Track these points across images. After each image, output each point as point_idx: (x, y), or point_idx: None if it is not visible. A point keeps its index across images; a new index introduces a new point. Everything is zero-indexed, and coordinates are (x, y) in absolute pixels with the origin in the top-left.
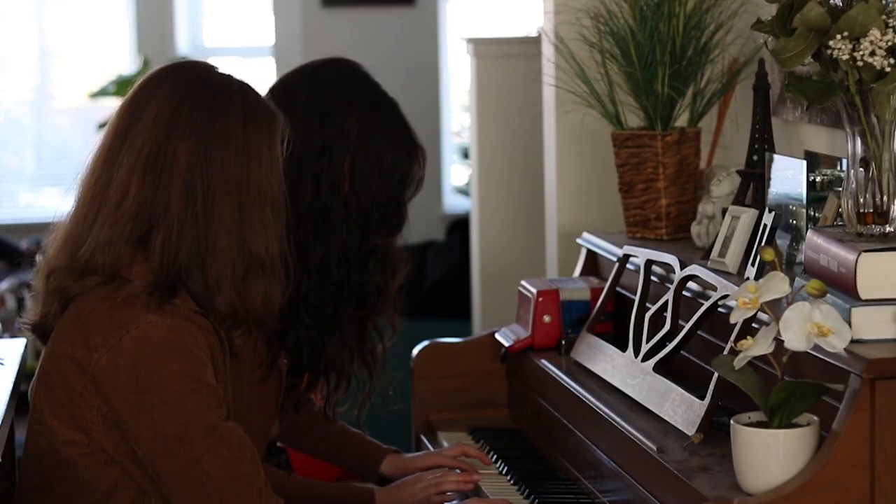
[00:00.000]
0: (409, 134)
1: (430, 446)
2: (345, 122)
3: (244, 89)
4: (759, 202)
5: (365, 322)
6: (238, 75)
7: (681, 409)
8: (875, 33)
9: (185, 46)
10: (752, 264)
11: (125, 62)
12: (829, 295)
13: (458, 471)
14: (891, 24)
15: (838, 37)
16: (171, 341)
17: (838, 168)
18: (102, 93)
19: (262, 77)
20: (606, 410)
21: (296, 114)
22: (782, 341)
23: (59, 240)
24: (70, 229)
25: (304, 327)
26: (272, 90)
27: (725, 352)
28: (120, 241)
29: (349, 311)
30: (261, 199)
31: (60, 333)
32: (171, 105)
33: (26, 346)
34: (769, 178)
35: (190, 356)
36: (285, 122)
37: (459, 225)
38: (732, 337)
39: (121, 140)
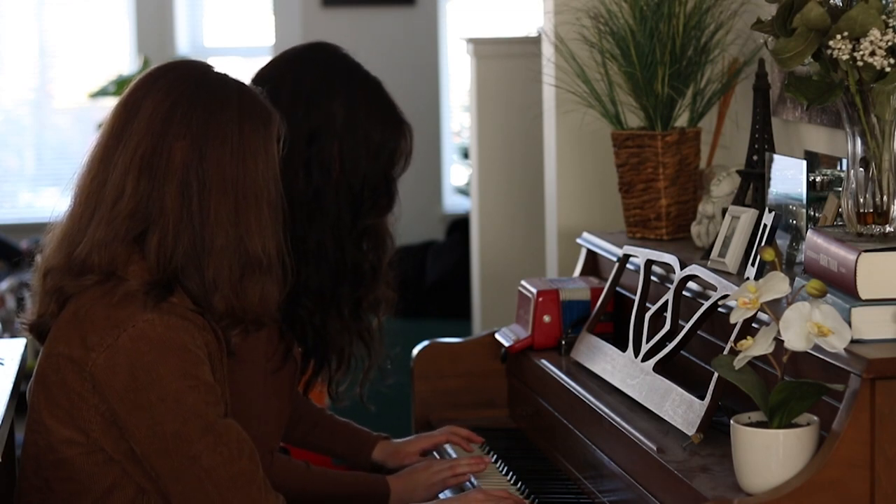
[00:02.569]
0: (394, 111)
1: None
2: (330, 107)
3: (240, 88)
4: (759, 202)
5: (360, 301)
6: (235, 75)
7: (681, 409)
8: (875, 33)
9: (185, 46)
10: (752, 264)
11: (125, 62)
12: (829, 295)
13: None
14: (891, 24)
15: (838, 37)
16: (169, 339)
17: (838, 168)
18: (102, 93)
19: None
20: (606, 410)
21: (280, 103)
22: (782, 341)
23: (55, 239)
24: (66, 229)
25: (307, 312)
26: (254, 81)
27: (725, 352)
28: (116, 240)
29: (346, 292)
30: (257, 199)
31: (57, 333)
32: (167, 104)
33: (26, 346)
34: (769, 178)
35: (187, 354)
36: (281, 120)
37: (459, 225)
38: (732, 337)
39: (116, 139)
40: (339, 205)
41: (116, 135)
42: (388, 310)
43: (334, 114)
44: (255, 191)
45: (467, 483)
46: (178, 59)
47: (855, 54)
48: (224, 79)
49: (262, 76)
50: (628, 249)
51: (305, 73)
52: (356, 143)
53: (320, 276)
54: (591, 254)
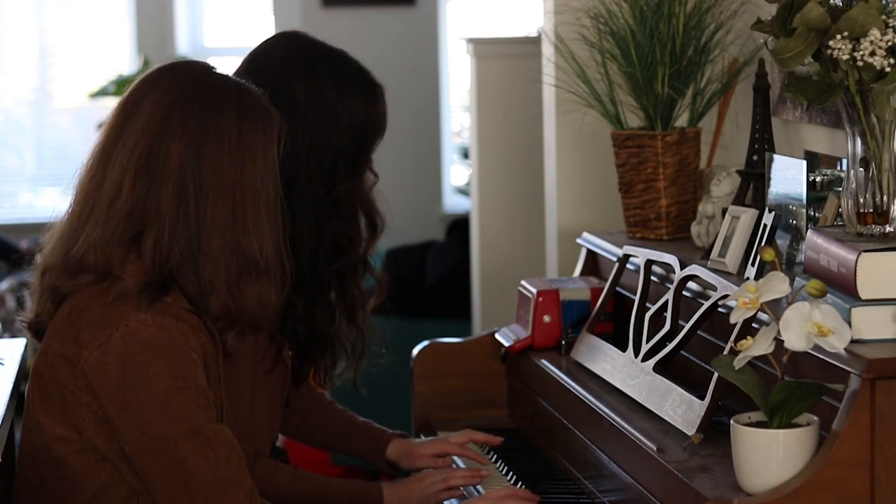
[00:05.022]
0: (360, 78)
1: None
2: (292, 92)
3: (240, 89)
4: (759, 202)
5: (343, 277)
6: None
7: (681, 409)
8: (875, 33)
9: (185, 46)
10: (752, 264)
11: (125, 62)
12: (829, 295)
13: (463, 465)
14: (891, 24)
15: (838, 37)
16: (161, 339)
17: (838, 168)
18: (102, 93)
19: None
20: (606, 410)
21: None
22: (782, 341)
23: (54, 238)
24: (65, 227)
25: (291, 304)
26: None
27: (725, 352)
28: (112, 240)
29: (326, 270)
30: (255, 200)
31: (53, 331)
32: (165, 105)
33: (26, 346)
34: (769, 178)
35: (179, 355)
36: (282, 122)
37: (459, 225)
38: (732, 337)
39: (115, 139)
40: (313, 186)
41: (115, 135)
42: (382, 291)
43: (297, 98)
44: (252, 193)
45: (472, 489)
46: (179, 60)
47: (855, 54)
48: (224, 80)
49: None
50: (628, 249)
51: (265, 65)
52: (322, 120)
53: (299, 264)
54: (591, 254)
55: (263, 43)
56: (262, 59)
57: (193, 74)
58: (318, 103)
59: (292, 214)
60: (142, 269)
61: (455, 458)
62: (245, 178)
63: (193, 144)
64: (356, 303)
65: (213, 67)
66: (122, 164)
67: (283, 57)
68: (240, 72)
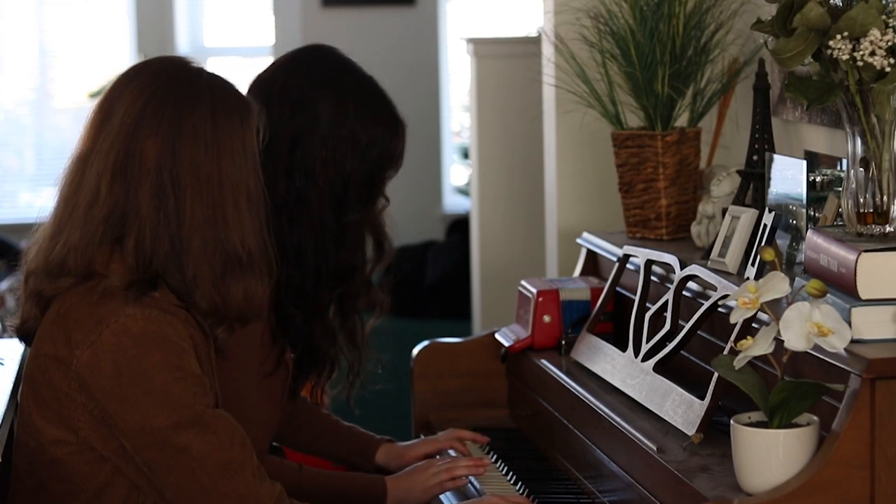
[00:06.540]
0: (385, 110)
1: None
2: (317, 108)
3: (213, 82)
4: (759, 202)
5: (344, 301)
6: (211, 69)
7: (681, 409)
8: (875, 33)
9: (185, 46)
10: (752, 264)
11: (125, 62)
12: (829, 295)
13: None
14: (891, 24)
15: (838, 37)
16: (152, 332)
17: (838, 168)
18: (102, 93)
19: None
20: (606, 410)
21: (271, 107)
22: (782, 341)
23: (38, 242)
24: (46, 232)
25: (290, 315)
26: (252, 84)
27: (725, 352)
28: (91, 244)
29: (328, 292)
30: (235, 194)
31: (42, 334)
32: (138, 105)
33: (26, 347)
34: (769, 178)
35: (171, 346)
36: (260, 111)
37: (459, 225)
38: (732, 337)
39: (92, 142)
40: (323, 207)
41: (92, 137)
42: (383, 313)
43: (320, 116)
44: (231, 186)
45: (470, 487)
46: (154, 57)
47: (855, 54)
48: (198, 74)
49: (259, 80)
50: (628, 249)
51: (295, 75)
52: (341, 141)
53: (301, 277)
54: (591, 254)
55: (294, 52)
56: (290, 69)
57: (166, 71)
58: (340, 125)
59: (299, 231)
60: (126, 269)
61: (450, 451)
62: (223, 172)
63: (168, 142)
64: (356, 326)
65: (188, 62)
66: (99, 168)
67: (312, 72)
68: (264, 78)
